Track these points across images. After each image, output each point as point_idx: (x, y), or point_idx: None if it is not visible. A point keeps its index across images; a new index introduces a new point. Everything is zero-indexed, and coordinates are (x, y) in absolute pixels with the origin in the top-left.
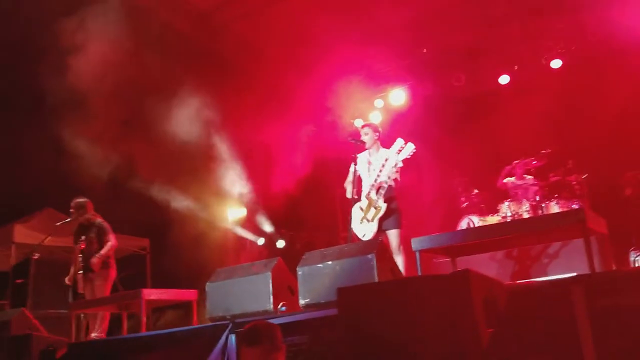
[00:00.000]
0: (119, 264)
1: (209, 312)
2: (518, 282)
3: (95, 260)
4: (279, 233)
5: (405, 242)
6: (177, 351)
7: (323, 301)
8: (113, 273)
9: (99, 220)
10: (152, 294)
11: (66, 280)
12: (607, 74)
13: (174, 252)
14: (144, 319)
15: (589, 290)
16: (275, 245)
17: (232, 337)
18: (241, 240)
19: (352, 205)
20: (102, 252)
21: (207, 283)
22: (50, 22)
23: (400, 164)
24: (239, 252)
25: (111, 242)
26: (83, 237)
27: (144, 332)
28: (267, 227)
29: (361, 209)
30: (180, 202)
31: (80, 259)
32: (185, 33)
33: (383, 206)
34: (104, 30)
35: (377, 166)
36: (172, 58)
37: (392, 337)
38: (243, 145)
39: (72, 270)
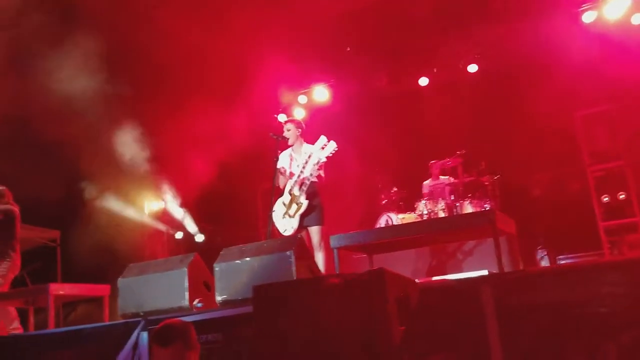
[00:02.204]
0: (27, 256)
1: (121, 308)
2: (430, 280)
3: None
4: (198, 227)
5: (326, 239)
6: (86, 349)
7: (240, 298)
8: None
9: (9, 207)
10: (60, 289)
11: None
12: (520, 80)
13: (86, 245)
14: (52, 315)
15: (497, 290)
16: (194, 239)
17: (144, 335)
18: (159, 233)
19: (273, 200)
20: None
21: (119, 279)
22: None
23: (324, 160)
24: (156, 246)
25: None
26: None
27: (51, 329)
28: (187, 221)
29: (284, 204)
30: (94, 191)
31: None
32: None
33: (304, 202)
34: None
35: (301, 162)
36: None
37: (306, 335)
38: (161, 136)
39: None
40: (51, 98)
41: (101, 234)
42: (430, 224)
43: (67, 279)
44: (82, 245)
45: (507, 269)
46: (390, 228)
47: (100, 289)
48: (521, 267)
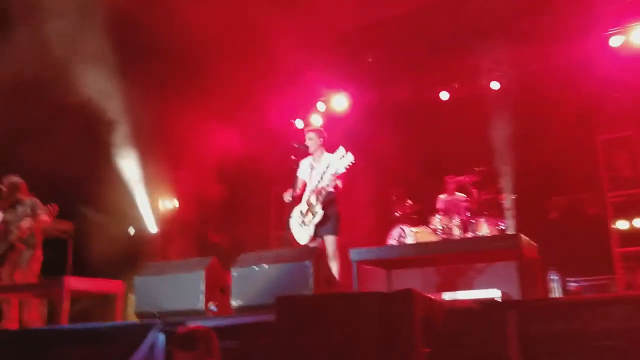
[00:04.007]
0: None
1: (136, 306)
2: (454, 301)
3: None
4: (210, 227)
5: (340, 249)
6: (100, 347)
7: (256, 304)
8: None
9: (32, 199)
10: (75, 283)
11: None
12: (542, 101)
13: (98, 240)
14: (65, 309)
15: (522, 316)
16: (205, 240)
17: (161, 337)
18: (170, 234)
19: (289, 206)
20: (27, 224)
21: (136, 277)
22: None
23: (341, 171)
24: (167, 247)
25: (44, 217)
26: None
27: (67, 325)
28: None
29: (301, 212)
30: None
31: None
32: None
33: (320, 212)
34: None
35: (319, 172)
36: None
37: (329, 350)
38: (177, 134)
39: None
40: (71, 79)
41: (114, 230)
42: (454, 244)
43: (76, 272)
44: (94, 240)
45: (525, 293)
46: (413, 245)
47: (115, 286)
48: (540, 292)
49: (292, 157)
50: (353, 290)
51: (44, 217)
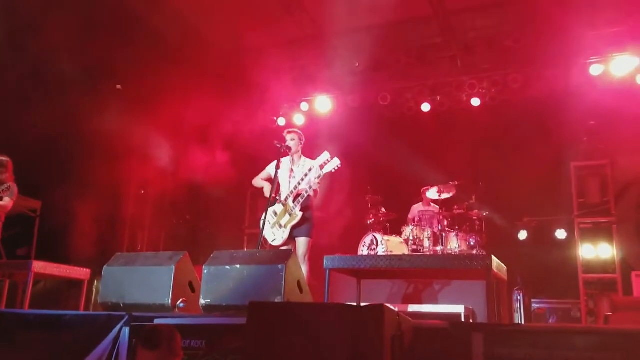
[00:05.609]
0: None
1: (102, 296)
2: (423, 317)
3: None
4: (182, 219)
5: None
6: (64, 335)
7: (225, 304)
8: None
9: (10, 184)
10: (42, 268)
11: None
12: (521, 122)
13: (65, 222)
14: (29, 293)
15: (488, 339)
16: (177, 233)
17: (126, 330)
18: (140, 223)
19: (264, 205)
20: None
21: (105, 266)
22: None
23: (322, 175)
24: (136, 236)
25: (5, 202)
26: None
27: (28, 310)
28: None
29: (275, 213)
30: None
31: None
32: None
33: (299, 214)
34: None
35: (299, 174)
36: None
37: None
38: (161, 121)
39: None
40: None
41: (83, 213)
42: (426, 259)
43: (40, 252)
44: (61, 221)
45: (491, 312)
46: (386, 257)
47: (81, 273)
48: (506, 312)
49: (275, 143)
50: (324, 297)
51: (5, 202)
